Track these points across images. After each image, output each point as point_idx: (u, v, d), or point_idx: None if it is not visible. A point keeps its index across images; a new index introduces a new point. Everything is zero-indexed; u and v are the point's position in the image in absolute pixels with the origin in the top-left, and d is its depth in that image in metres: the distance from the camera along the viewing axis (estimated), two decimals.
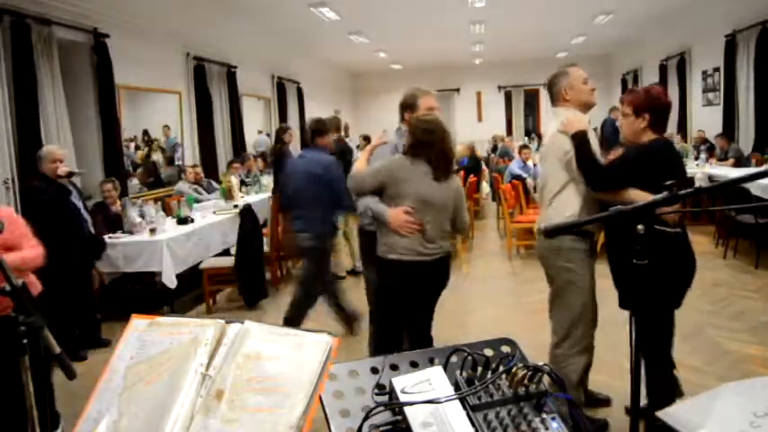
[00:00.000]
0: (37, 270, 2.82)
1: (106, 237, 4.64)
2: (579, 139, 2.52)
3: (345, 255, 6.17)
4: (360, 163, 2.94)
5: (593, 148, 2.52)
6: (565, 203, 2.61)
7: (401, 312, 2.84)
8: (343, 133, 7.98)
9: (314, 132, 4.15)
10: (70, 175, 4.14)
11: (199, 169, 7.18)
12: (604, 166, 2.51)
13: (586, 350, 2.70)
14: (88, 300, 4.34)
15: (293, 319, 4.09)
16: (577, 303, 2.65)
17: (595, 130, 2.82)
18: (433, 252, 2.73)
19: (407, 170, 2.70)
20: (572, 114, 2.62)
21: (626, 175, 2.41)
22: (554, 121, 2.71)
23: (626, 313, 1.81)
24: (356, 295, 3.71)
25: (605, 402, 3.00)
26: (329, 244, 4.16)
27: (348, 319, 4.29)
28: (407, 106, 3.09)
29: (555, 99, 2.75)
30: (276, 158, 6.69)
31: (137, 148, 6.85)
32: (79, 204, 4.24)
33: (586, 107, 2.68)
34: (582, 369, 2.71)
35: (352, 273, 6.00)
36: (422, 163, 2.70)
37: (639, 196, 2.29)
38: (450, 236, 2.86)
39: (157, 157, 7.16)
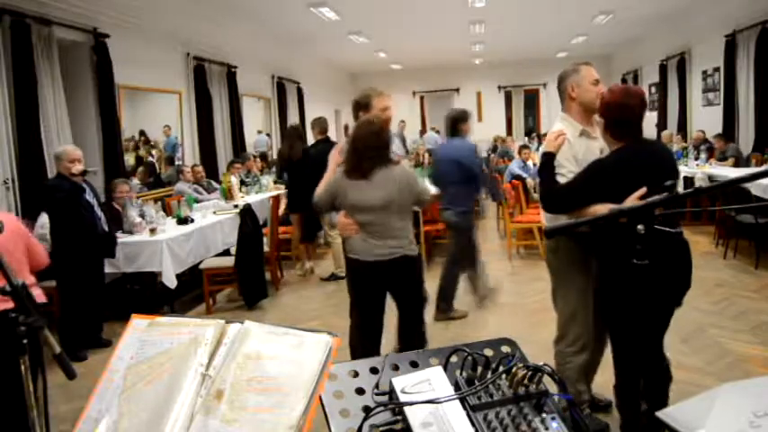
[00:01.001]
0: (48, 267, 2.93)
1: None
2: (542, 161, 2.51)
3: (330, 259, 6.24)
4: (324, 180, 3.02)
5: (556, 171, 2.45)
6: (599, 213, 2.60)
7: (366, 308, 2.96)
8: (343, 133, 7.99)
9: (456, 121, 4.55)
10: (84, 173, 4.19)
11: (200, 168, 7.19)
12: (557, 187, 2.43)
13: (583, 349, 2.69)
14: (100, 296, 4.37)
15: (445, 288, 4.51)
16: (571, 303, 2.66)
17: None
18: (387, 252, 2.81)
19: (340, 180, 2.86)
20: (555, 129, 2.58)
21: (574, 198, 2.33)
22: (558, 123, 2.69)
23: None
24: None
25: (605, 408, 2.98)
26: (472, 220, 4.60)
27: (480, 294, 4.62)
28: (362, 106, 3.15)
29: (561, 96, 2.71)
30: (299, 158, 6.12)
31: (135, 148, 6.85)
32: (93, 202, 4.27)
33: (591, 110, 2.59)
34: (580, 368, 2.70)
35: (333, 278, 6.02)
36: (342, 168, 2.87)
37: (595, 212, 2.24)
38: (410, 233, 2.91)
39: (156, 154, 7.16)
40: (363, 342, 2.93)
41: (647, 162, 2.27)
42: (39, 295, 2.80)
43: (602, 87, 2.59)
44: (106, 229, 4.35)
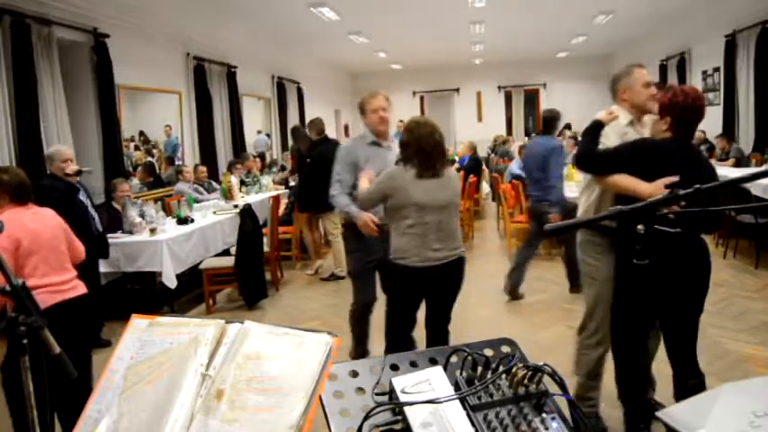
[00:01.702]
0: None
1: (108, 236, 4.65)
2: (591, 125, 2.58)
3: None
4: (363, 182, 3.00)
5: (600, 139, 2.54)
6: (588, 198, 2.69)
7: (411, 315, 2.91)
8: (344, 133, 7.99)
9: (553, 120, 5.20)
10: (79, 173, 4.18)
11: (203, 168, 7.20)
12: (597, 150, 2.54)
13: (599, 344, 2.73)
14: (97, 298, 4.36)
15: (518, 266, 5.10)
16: (591, 295, 2.74)
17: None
18: (443, 256, 2.76)
19: (399, 178, 2.75)
20: (612, 110, 2.66)
21: (608, 162, 2.45)
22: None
23: None
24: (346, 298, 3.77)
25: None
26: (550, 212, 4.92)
27: (574, 277, 4.94)
28: (360, 111, 3.44)
29: (614, 96, 2.77)
30: (315, 156, 5.96)
31: (136, 148, 6.85)
32: (87, 202, 4.26)
33: (641, 111, 2.65)
34: (594, 361, 2.76)
35: (333, 278, 6.02)
36: (408, 167, 2.76)
37: (619, 181, 2.38)
38: (462, 236, 2.91)
39: (156, 153, 7.16)
40: (401, 344, 2.91)
41: (688, 158, 2.38)
42: (80, 286, 2.84)
43: (653, 89, 2.63)
44: (100, 229, 4.34)
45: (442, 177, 2.78)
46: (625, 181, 2.35)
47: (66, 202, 4.02)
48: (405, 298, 2.90)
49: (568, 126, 11.72)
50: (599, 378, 2.82)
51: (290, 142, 8.80)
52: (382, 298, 3.22)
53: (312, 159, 5.87)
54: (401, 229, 2.79)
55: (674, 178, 2.20)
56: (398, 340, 2.93)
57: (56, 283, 2.72)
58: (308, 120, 7.28)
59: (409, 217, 2.74)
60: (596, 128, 2.56)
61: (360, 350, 3.52)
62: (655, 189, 2.21)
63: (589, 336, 2.76)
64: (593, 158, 2.53)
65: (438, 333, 3.00)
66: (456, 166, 9.91)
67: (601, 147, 2.53)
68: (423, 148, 2.72)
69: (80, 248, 3.00)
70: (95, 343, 4.30)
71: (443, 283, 2.86)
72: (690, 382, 2.45)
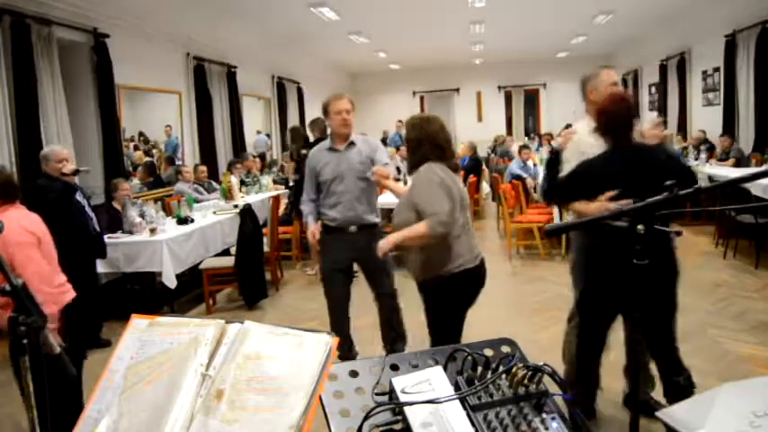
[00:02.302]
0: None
1: (105, 237, 4.65)
2: (548, 157, 2.69)
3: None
4: (398, 187, 2.95)
5: (563, 166, 2.59)
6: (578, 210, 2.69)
7: (461, 327, 2.69)
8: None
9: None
10: (76, 172, 4.17)
11: (203, 168, 7.20)
12: (554, 183, 2.60)
13: None
14: (95, 298, 4.36)
15: None
16: (577, 288, 2.80)
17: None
18: (480, 251, 2.67)
19: (445, 176, 2.50)
20: (567, 131, 2.76)
21: (565, 192, 2.51)
22: (580, 120, 2.82)
23: None
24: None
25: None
26: None
27: None
28: (323, 112, 3.52)
29: (583, 97, 2.82)
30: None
31: (135, 148, 6.85)
32: (83, 202, 4.25)
33: None
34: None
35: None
36: (436, 162, 2.56)
37: (576, 208, 2.46)
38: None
39: (156, 153, 7.17)
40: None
41: (625, 165, 2.35)
42: (71, 290, 2.84)
43: (619, 89, 2.71)
44: (98, 229, 4.34)
45: (456, 174, 2.69)
46: (579, 207, 2.43)
47: (64, 202, 4.00)
48: (463, 307, 2.65)
49: (568, 126, 11.72)
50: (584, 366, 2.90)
51: (289, 143, 8.81)
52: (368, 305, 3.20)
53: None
54: (455, 233, 2.50)
55: (611, 193, 2.25)
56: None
57: (57, 284, 2.72)
58: (308, 120, 7.29)
59: (457, 216, 2.51)
60: (554, 159, 2.62)
61: (343, 346, 3.51)
62: (597, 208, 2.27)
63: (576, 326, 2.84)
64: (554, 191, 2.63)
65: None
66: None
67: (564, 173, 2.57)
68: (439, 144, 2.58)
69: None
70: (95, 343, 4.30)
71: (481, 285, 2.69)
72: (676, 380, 2.50)
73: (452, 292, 2.57)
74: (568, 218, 2.93)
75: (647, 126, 2.86)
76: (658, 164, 2.40)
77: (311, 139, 6.51)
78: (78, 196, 4.18)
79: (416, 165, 2.59)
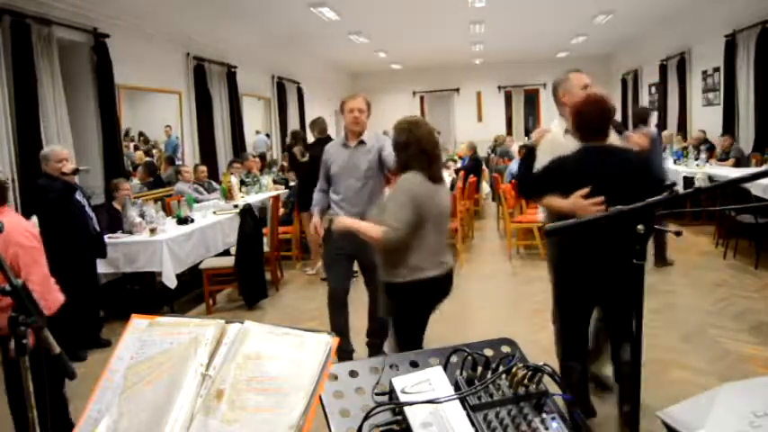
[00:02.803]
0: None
1: (105, 237, 4.64)
2: (524, 153, 2.75)
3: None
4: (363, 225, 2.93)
5: (536, 163, 2.65)
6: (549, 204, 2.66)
7: (422, 332, 2.70)
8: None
9: (641, 115, 5.95)
10: (76, 171, 4.17)
11: (203, 168, 7.20)
12: (527, 177, 2.68)
13: None
14: (95, 297, 4.36)
15: (660, 244, 5.63)
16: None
17: None
18: (448, 260, 2.67)
19: (422, 187, 2.50)
20: (541, 129, 2.83)
21: (538, 187, 2.59)
22: (554, 121, 2.90)
23: None
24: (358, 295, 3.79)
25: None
26: None
27: (662, 260, 5.62)
28: (340, 110, 3.61)
29: (556, 103, 2.91)
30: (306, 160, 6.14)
31: (135, 148, 6.85)
32: (84, 202, 4.25)
33: None
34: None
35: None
36: (414, 172, 2.54)
37: (548, 202, 2.55)
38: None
39: (156, 153, 7.16)
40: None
41: (597, 165, 2.42)
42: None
43: (596, 91, 2.74)
44: (98, 228, 4.33)
45: (443, 182, 2.67)
46: (551, 202, 2.50)
47: (64, 201, 4.01)
48: (420, 313, 2.67)
49: None
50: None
51: (292, 144, 8.83)
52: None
53: (310, 159, 5.90)
54: (417, 244, 2.51)
55: (585, 190, 2.33)
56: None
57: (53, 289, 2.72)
58: (308, 120, 7.29)
59: (427, 230, 2.51)
60: (529, 154, 2.68)
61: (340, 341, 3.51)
62: (571, 204, 2.35)
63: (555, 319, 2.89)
64: (527, 185, 2.70)
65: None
66: (457, 166, 9.92)
67: (537, 169, 2.64)
68: (425, 150, 2.55)
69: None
70: (95, 343, 4.31)
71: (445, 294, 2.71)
72: (622, 368, 2.62)
73: (410, 298, 2.60)
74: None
75: (635, 133, 2.93)
76: (628, 166, 2.44)
77: (311, 139, 6.54)
78: (78, 196, 4.18)
79: (402, 168, 2.61)
